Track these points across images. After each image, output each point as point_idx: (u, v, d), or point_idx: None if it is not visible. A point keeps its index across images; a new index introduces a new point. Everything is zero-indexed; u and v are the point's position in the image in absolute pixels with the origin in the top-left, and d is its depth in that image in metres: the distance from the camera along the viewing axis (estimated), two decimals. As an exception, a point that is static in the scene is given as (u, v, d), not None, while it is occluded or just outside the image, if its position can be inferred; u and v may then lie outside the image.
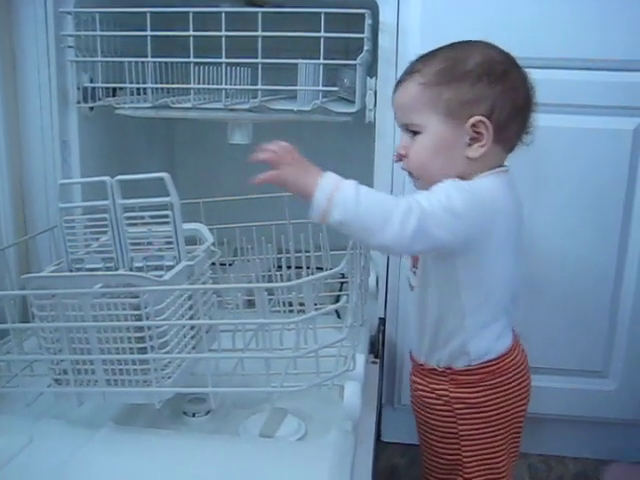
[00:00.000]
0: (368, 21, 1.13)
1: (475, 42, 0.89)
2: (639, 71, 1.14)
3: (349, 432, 0.85)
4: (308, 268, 1.18)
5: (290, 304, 1.09)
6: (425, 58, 0.89)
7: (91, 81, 1.23)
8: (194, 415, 0.92)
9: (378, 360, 1.22)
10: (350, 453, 0.81)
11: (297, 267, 1.20)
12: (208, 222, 1.07)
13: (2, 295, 0.93)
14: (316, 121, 1.20)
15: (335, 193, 0.78)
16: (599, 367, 1.28)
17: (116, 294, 0.82)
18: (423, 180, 0.90)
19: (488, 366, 0.91)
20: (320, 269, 1.16)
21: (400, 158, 0.91)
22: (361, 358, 0.89)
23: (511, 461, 0.97)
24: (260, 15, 1.11)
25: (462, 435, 0.93)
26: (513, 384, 0.93)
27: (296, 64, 1.14)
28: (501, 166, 0.90)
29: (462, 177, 0.86)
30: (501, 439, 0.94)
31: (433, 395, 0.94)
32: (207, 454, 0.81)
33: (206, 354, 0.85)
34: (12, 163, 1.23)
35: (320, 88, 1.15)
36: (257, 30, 1.12)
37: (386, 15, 1.17)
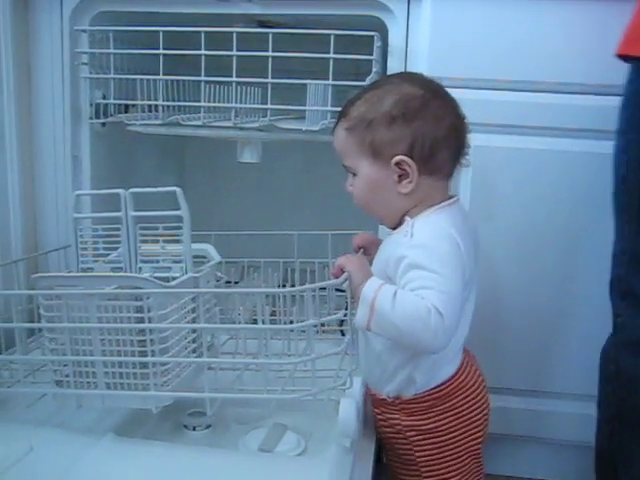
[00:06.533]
0: (377, 43, 1.14)
1: (397, 77, 0.91)
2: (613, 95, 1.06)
3: (348, 449, 0.85)
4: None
5: (291, 322, 1.09)
6: (351, 101, 0.91)
7: (104, 98, 1.25)
8: (194, 429, 0.92)
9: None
10: (348, 470, 0.81)
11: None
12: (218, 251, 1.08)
13: (9, 294, 0.95)
14: (325, 142, 1.20)
15: (375, 302, 0.80)
16: (558, 389, 1.25)
17: (122, 296, 0.83)
18: (373, 215, 0.93)
19: (435, 392, 0.90)
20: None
21: None
22: (358, 379, 0.89)
23: None
24: (271, 36, 1.13)
25: (420, 462, 0.92)
26: (465, 406, 0.91)
27: (305, 84, 1.16)
28: (450, 197, 0.90)
29: (404, 211, 0.88)
30: (460, 462, 0.92)
31: (387, 424, 0.94)
32: (206, 467, 0.81)
33: (205, 359, 0.86)
34: (24, 177, 1.25)
35: (328, 108, 1.16)
36: (268, 50, 1.14)
37: (395, 38, 1.18)
